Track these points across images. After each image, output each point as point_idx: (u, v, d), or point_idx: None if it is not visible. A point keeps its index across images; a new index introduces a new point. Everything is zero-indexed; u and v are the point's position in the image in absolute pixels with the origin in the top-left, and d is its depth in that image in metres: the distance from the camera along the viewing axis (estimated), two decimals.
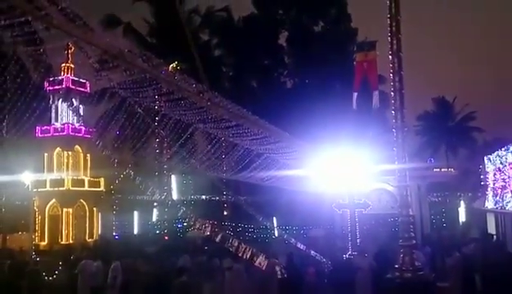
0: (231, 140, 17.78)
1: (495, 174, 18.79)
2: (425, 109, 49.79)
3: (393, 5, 10.19)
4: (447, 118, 49.24)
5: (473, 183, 27.30)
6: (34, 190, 21.98)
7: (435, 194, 27.36)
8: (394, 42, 10.06)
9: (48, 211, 24.13)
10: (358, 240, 17.94)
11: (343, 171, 17.36)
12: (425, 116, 49.59)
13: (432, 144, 48.57)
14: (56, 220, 23.91)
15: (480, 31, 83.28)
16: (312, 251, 16.22)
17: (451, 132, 48.35)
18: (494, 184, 18.99)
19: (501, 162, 17.80)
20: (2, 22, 9.25)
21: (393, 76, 10.01)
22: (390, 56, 10.06)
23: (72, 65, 24.21)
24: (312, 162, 18.78)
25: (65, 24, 9.08)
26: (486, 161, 20.15)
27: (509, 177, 16.94)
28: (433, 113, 49.70)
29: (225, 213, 31.86)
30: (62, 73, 24.15)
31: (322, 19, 38.58)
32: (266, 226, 25.02)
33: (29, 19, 8.99)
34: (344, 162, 17.35)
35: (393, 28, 10.09)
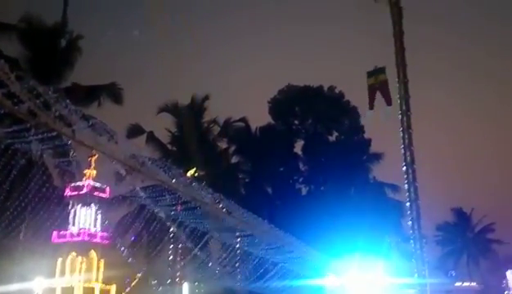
0: (246, 248, 17.60)
1: None
2: (445, 218, 49.33)
3: (405, 118, 10.62)
4: (466, 229, 48.48)
5: None
6: None
7: None
8: (407, 153, 10.32)
9: None
10: None
11: (360, 282, 16.83)
12: (445, 226, 48.94)
13: (453, 256, 47.37)
14: None
15: (493, 143, 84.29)
16: None
17: (472, 244, 47.32)
18: None
19: None
20: (32, 137, 9.83)
21: (408, 187, 10.13)
22: (404, 167, 10.26)
23: (94, 171, 24.86)
24: (329, 272, 18.30)
25: (89, 138, 9.64)
26: (509, 275, 19.46)
27: None
28: (453, 223, 49.10)
29: None
30: (84, 179, 24.73)
31: (336, 129, 39.91)
32: None
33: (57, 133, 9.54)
34: (361, 272, 16.89)
35: (406, 141, 10.42)
